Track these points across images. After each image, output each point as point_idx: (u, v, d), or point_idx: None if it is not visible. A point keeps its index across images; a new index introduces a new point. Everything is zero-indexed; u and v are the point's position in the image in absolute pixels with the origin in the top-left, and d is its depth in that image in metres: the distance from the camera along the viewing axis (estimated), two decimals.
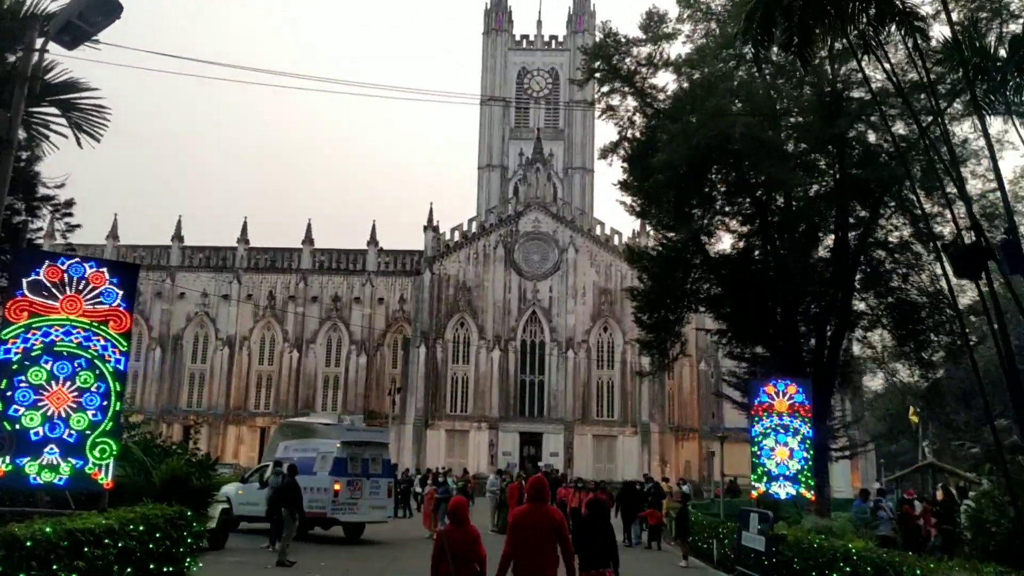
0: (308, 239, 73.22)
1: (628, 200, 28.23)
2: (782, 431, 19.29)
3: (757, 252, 26.88)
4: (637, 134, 25.29)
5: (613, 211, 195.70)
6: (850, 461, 65.06)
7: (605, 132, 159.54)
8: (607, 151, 25.35)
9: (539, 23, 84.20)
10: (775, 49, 27.63)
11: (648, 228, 33.39)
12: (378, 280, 72.32)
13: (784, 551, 13.90)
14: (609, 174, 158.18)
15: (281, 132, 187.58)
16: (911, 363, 29.39)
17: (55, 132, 10.85)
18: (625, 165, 26.24)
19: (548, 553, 7.83)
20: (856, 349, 30.39)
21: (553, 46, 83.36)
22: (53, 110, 10.45)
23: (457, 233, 68.37)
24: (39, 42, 9.43)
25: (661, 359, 27.77)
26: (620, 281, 66.58)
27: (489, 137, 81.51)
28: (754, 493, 19.57)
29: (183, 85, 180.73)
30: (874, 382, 55.64)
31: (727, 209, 25.96)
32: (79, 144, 10.58)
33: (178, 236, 73.44)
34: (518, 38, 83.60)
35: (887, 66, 25.79)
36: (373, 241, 72.86)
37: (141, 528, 9.75)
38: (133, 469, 11.91)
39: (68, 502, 11.10)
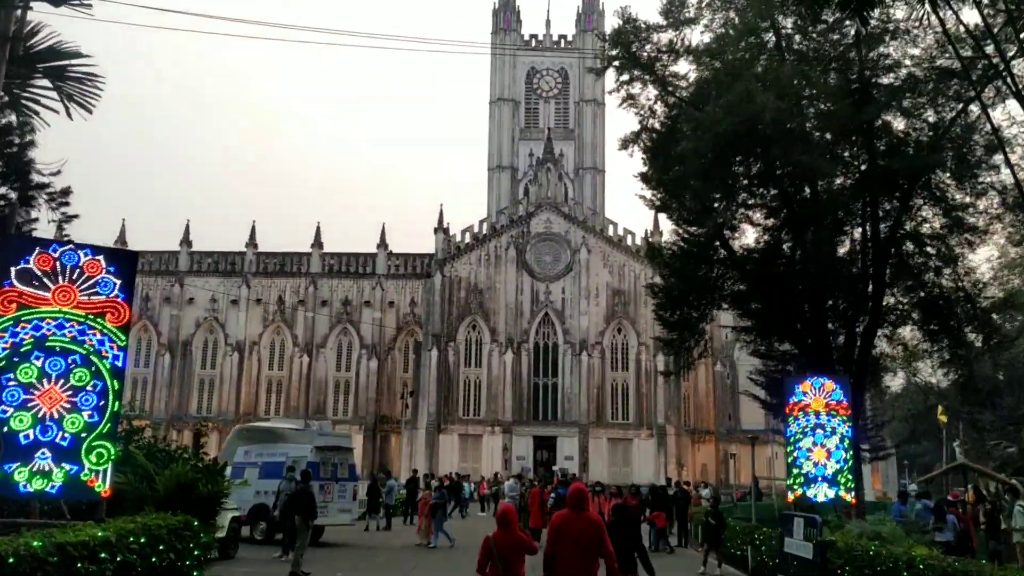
0: (317, 242, 72.50)
1: (648, 194, 27.30)
2: (819, 431, 18.29)
3: (784, 246, 25.87)
4: (658, 124, 24.34)
5: (625, 211, 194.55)
6: (871, 463, 64.36)
7: (617, 131, 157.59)
8: (628, 141, 24.40)
9: (547, 23, 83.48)
10: (797, 38, 27.09)
11: (668, 224, 32.60)
12: (388, 283, 71.51)
13: (833, 559, 12.92)
14: (620, 174, 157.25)
15: (290, 134, 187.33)
16: (943, 360, 28.36)
17: (46, 108, 10.03)
18: (646, 156, 25.29)
19: (589, 559, 8.01)
20: (884, 346, 29.32)
21: (562, 45, 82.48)
22: (45, 83, 9.61)
23: (468, 235, 67.54)
24: None
25: (686, 358, 26.78)
26: (634, 282, 65.67)
27: (499, 138, 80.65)
28: (790, 496, 18.57)
29: (187, 86, 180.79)
30: (894, 382, 54.58)
31: (752, 202, 24.98)
32: (69, 116, 9.76)
33: (186, 241, 72.86)
34: (527, 38, 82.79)
35: (916, 51, 25.07)
36: (383, 244, 72.08)
37: (142, 540, 8.87)
38: (135, 476, 11.04)
39: (63, 512, 10.23)
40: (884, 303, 27.01)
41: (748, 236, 27.50)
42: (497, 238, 66.83)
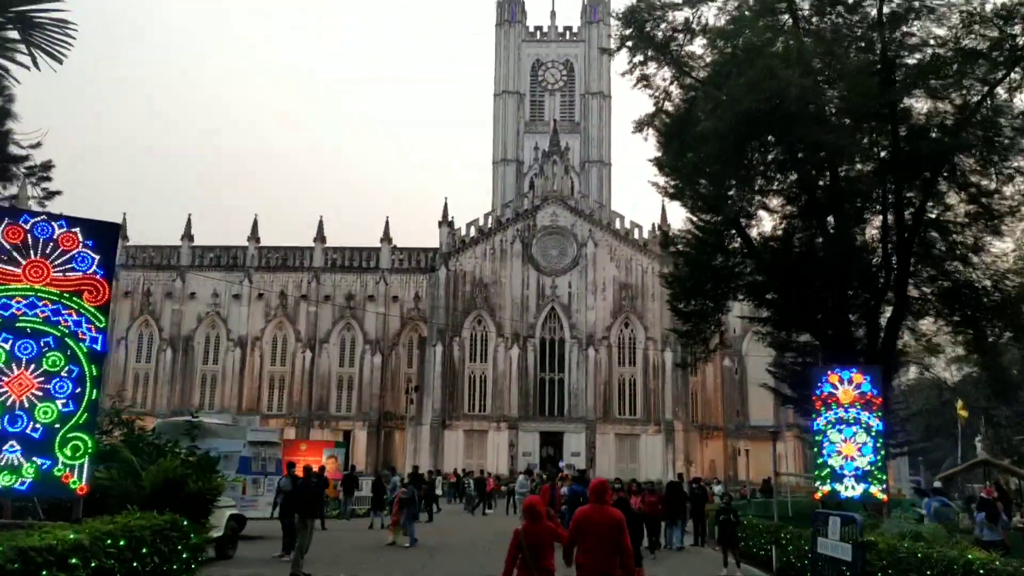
0: (320, 236, 71.62)
1: (661, 181, 26.34)
2: (848, 424, 17.35)
3: (803, 233, 24.91)
4: (673, 107, 23.36)
5: (632, 206, 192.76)
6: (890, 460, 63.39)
7: (624, 124, 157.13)
8: (643, 124, 23.40)
9: (553, 14, 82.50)
10: (815, 19, 26.10)
11: (677, 216, 31.35)
12: (392, 278, 70.62)
13: (873, 561, 11.98)
14: (627, 168, 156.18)
15: (292, 128, 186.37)
16: (967, 352, 27.43)
17: (19, 64, 9.10)
18: (660, 141, 24.32)
19: (611, 551, 8.23)
20: (905, 338, 28.34)
21: (568, 37, 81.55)
22: (15, 35, 8.68)
23: (473, 228, 66.59)
24: None
25: (702, 349, 25.83)
26: (641, 276, 64.73)
27: (503, 131, 79.76)
28: (817, 493, 17.61)
29: (183, 82, 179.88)
30: (904, 377, 53.51)
31: (770, 187, 24.00)
32: (36, 66, 8.82)
33: (188, 235, 72.03)
34: (532, 29, 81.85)
35: (940, 31, 24.08)
36: (387, 238, 71.18)
37: (122, 543, 7.95)
38: (120, 471, 10.13)
39: (37, 511, 9.32)
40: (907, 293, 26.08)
41: (765, 224, 26.55)
42: (503, 232, 65.88)
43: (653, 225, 65.86)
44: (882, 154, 24.17)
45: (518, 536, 8.58)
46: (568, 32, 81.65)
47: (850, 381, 17.58)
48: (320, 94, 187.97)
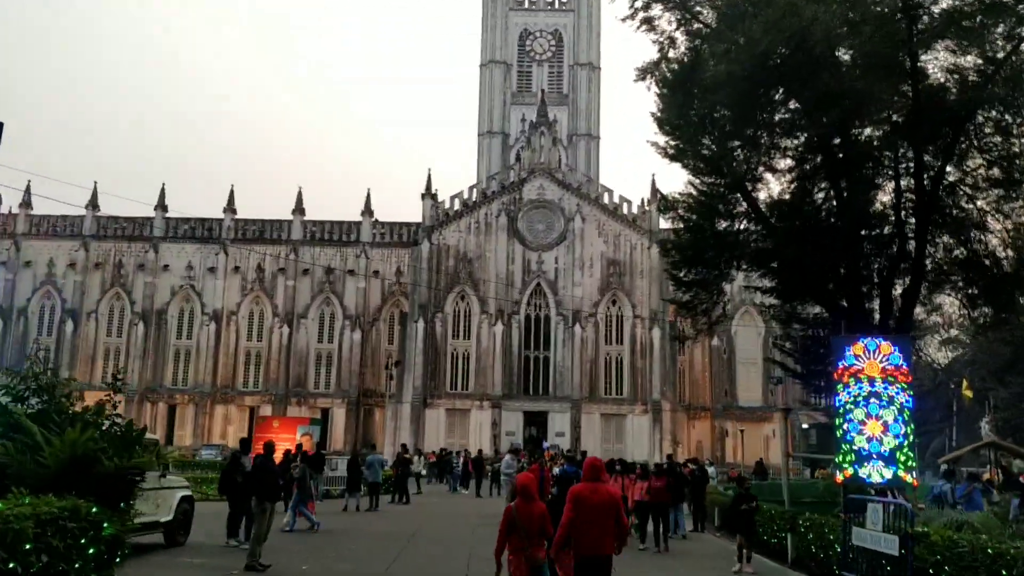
0: (299, 208, 69.26)
1: (661, 140, 24.42)
2: (874, 400, 15.56)
3: (814, 197, 23.11)
4: (677, 56, 21.38)
5: (621, 181, 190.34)
6: None
7: (613, 96, 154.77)
8: (646, 71, 21.41)
9: None
10: None
11: (670, 187, 29.00)
12: (373, 252, 68.45)
13: (924, 556, 10.23)
14: (616, 142, 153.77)
15: (271, 97, 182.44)
16: (983, 326, 25.85)
17: None
18: (663, 93, 22.38)
19: (607, 528, 8.15)
20: (918, 311, 26.66)
21: (556, 6, 79.22)
22: None
23: (457, 201, 64.45)
24: None
25: (704, 320, 24.03)
26: (630, 252, 62.94)
27: (490, 102, 77.49)
28: (839, 476, 15.83)
29: (164, 41, 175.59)
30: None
31: (780, 146, 22.12)
32: None
33: (162, 205, 69.39)
34: None
35: None
36: (368, 211, 68.92)
37: None
38: (18, 446, 8.17)
39: None
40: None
41: (772, 187, 24.71)
42: (488, 205, 63.80)
43: (642, 200, 64.08)
44: (895, 117, 22.43)
45: (511, 514, 8.52)
46: (557, 1, 79.25)
47: (877, 352, 15.76)
48: (299, 64, 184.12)
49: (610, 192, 64.62)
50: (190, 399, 66.30)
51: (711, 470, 34.74)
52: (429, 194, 63.97)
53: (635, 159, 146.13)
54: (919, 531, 10.56)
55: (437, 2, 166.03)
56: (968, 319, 25.41)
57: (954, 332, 53.87)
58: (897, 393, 15.54)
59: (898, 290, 23.83)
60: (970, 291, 24.33)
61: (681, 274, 24.39)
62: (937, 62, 22.53)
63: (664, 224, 63.99)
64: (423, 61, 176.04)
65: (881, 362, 15.73)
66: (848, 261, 22.78)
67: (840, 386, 16.05)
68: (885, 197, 24.36)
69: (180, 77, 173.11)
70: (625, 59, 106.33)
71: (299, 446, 29.21)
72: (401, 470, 29.96)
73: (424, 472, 41.05)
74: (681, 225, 24.80)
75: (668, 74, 21.15)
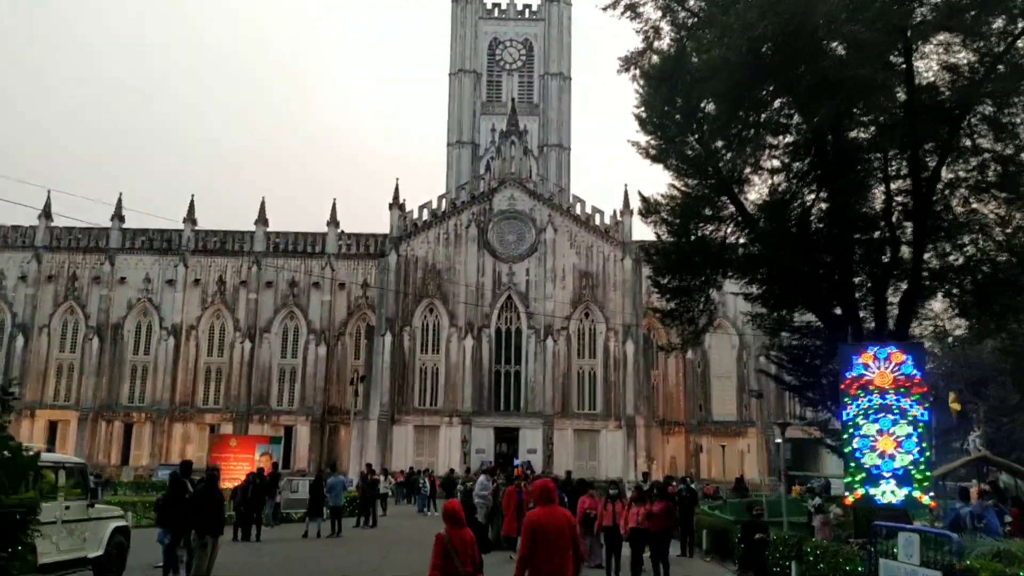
0: (262, 219, 67.10)
1: (643, 140, 23.11)
2: (886, 414, 14.26)
3: (807, 195, 21.90)
4: (664, 44, 20.09)
5: (592, 193, 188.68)
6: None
7: (583, 107, 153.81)
8: (630, 61, 20.07)
9: None
10: None
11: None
12: (339, 264, 66.50)
13: None
14: (587, 154, 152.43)
15: (233, 105, 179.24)
16: (979, 334, 24.81)
17: None
18: (645, 88, 21.05)
19: (565, 555, 8.00)
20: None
21: (527, 15, 78.24)
22: None
23: (425, 212, 62.77)
24: None
25: (691, 329, 22.63)
26: (603, 264, 61.68)
27: (459, 112, 76.09)
28: (849, 497, 14.47)
29: (124, 45, 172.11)
30: None
31: (774, 142, 20.88)
32: None
33: (118, 216, 66.93)
34: (489, 6, 78.35)
35: None
36: (333, 221, 67.00)
37: None
38: None
39: None
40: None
41: (760, 190, 23.47)
42: (457, 215, 62.21)
43: (615, 211, 62.92)
44: (888, 116, 21.32)
45: (443, 541, 8.46)
46: (528, 10, 78.27)
47: (887, 360, 14.52)
48: (263, 72, 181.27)
49: (582, 203, 63.38)
50: (147, 417, 63.69)
51: (692, 487, 33.23)
52: (397, 204, 62.23)
53: (606, 171, 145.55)
54: (969, 565, 9.12)
55: (405, 10, 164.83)
56: (966, 328, 24.25)
57: (928, 344, 53.31)
58: (911, 406, 14.27)
59: (892, 297, 22.74)
60: (965, 299, 23.25)
61: (664, 281, 23.01)
62: (931, 60, 21.59)
63: (637, 235, 63.18)
64: (391, 70, 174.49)
65: (892, 372, 14.48)
66: (840, 266, 21.59)
67: (848, 398, 14.75)
68: (878, 200, 23.28)
69: (140, 83, 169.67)
70: (596, 70, 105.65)
71: (260, 469, 27.38)
72: (367, 492, 28.12)
73: (391, 492, 39.22)
74: (664, 229, 23.45)
75: (652, 66, 19.80)
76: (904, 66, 20.68)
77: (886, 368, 14.42)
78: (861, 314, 21.98)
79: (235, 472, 29.78)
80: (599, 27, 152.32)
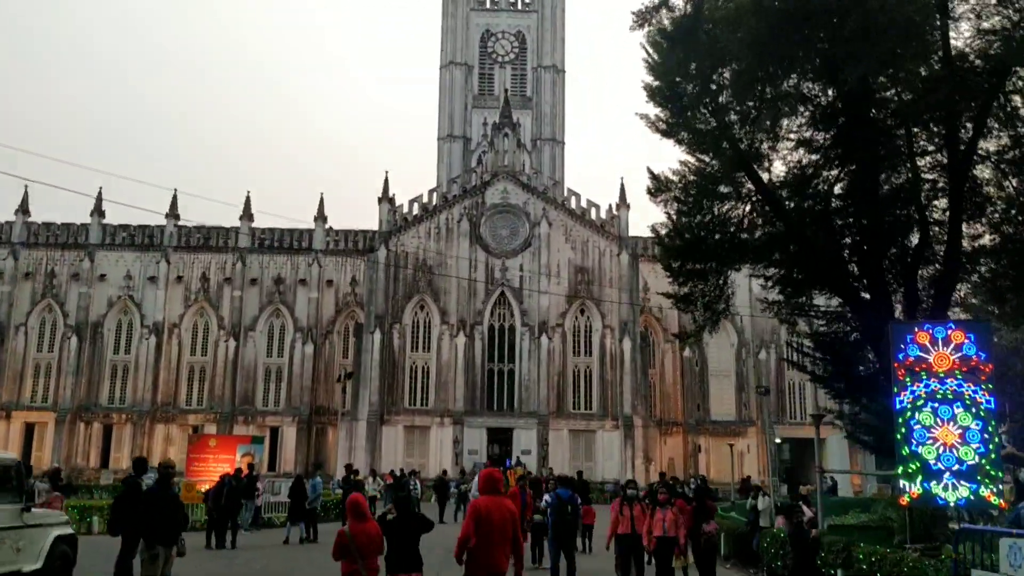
0: (247, 214, 65.04)
1: (652, 113, 21.40)
2: (946, 402, 12.50)
3: (831, 170, 20.19)
4: (680, 1, 18.30)
5: (586, 188, 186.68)
6: (848, 453, 59.39)
7: (577, 102, 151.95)
8: (644, 16, 18.25)
9: None
10: None
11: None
12: (327, 260, 64.54)
13: None
14: (581, 148, 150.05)
15: (217, 98, 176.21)
16: (1012, 321, 23.16)
17: None
18: (656, 53, 19.34)
19: (506, 546, 7.96)
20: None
21: (519, 7, 76.36)
22: None
23: (416, 206, 60.82)
24: None
25: (708, 315, 20.88)
26: (598, 259, 59.91)
27: (450, 105, 74.15)
28: (904, 498, 12.66)
29: (107, 39, 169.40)
30: None
31: (800, 109, 19.14)
32: None
33: (98, 211, 64.67)
34: None
35: None
36: (321, 217, 65.03)
37: None
38: None
39: None
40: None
41: (779, 166, 21.77)
42: (449, 209, 60.31)
43: (611, 205, 61.18)
44: (918, 82, 19.61)
45: (344, 537, 8.45)
46: (520, 2, 76.42)
47: (947, 342, 12.76)
48: (248, 64, 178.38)
49: (577, 196, 61.57)
50: (128, 418, 61.51)
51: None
52: (386, 198, 60.26)
53: (601, 166, 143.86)
54: None
55: (394, 1, 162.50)
56: (993, 315, 22.57)
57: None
58: (976, 391, 12.49)
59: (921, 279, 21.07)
60: (999, 283, 21.59)
61: (676, 265, 21.25)
62: (962, 24, 19.93)
63: (634, 230, 61.65)
64: (380, 62, 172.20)
65: (952, 353, 12.69)
66: (868, 246, 19.89)
67: (899, 384, 12.96)
68: (904, 176, 21.58)
69: (121, 73, 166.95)
70: (590, 64, 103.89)
71: (238, 470, 25.48)
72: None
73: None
74: (675, 208, 21.70)
75: (670, 21, 18.01)
76: (939, 29, 19.09)
77: (945, 349, 12.66)
78: (892, 298, 20.30)
79: (214, 474, 27.97)
80: (593, 20, 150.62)
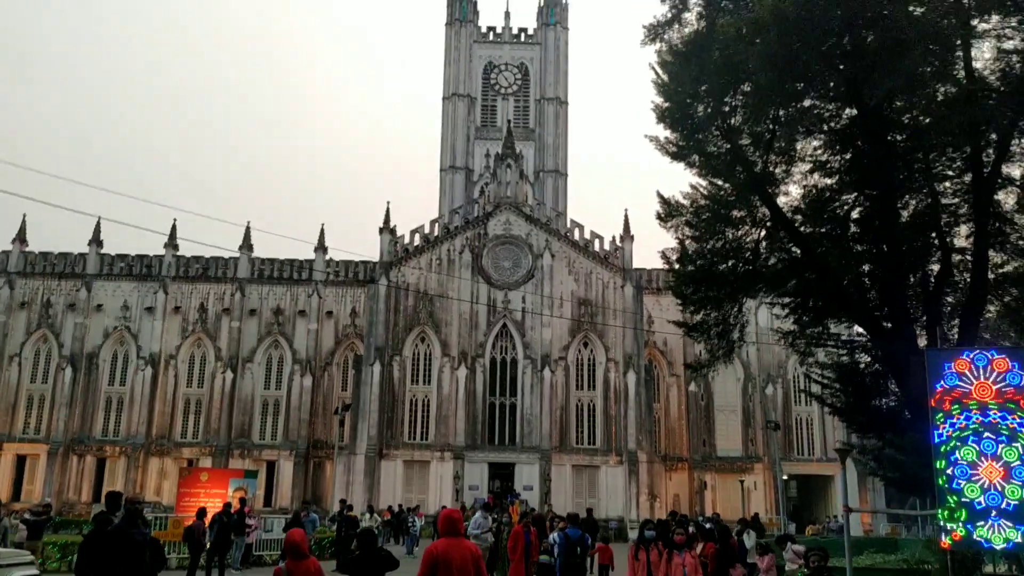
0: (246, 245, 64.34)
1: (662, 136, 20.66)
2: (990, 435, 11.52)
3: (847, 195, 19.39)
4: (693, 16, 17.64)
5: (589, 221, 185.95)
6: (858, 485, 57.96)
7: (580, 134, 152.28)
8: (656, 30, 17.59)
9: (507, 14, 77.53)
10: None
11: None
12: (326, 291, 63.73)
13: None
14: (584, 181, 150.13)
15: (218, 128, 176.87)
16: None
17: None
18: (667, 71, 18.65)
19: None
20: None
21: (522, 39, 76.49)
22: None
23: (417, 237, 60.09)
24: None
25: (722, 344, 19.95)
26: (602, 291, 59.04)
27: (453, 136, 73.90)
28: (946, 541, 11.62)
29: (104, 68, 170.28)
30: None
31: (818, 128, 18.40)
32: None
33: (96, 240, 64.06)
34: (484, 30, 76.58)
35: None
36: (321, 247, 64.29)
37: None
38: None
39: None
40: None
41: (794, 191, 20.98)
42: (450, 240, 59.58)
43: (614, 237, 60.44)
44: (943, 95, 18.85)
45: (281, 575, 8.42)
46: (523, 34, 76.56)
47: (988, 368, 11.79)
48: (250, 94, 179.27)
49: (581, 228, 60.88)
50: (122, 451, 60.28)
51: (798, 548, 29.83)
52: (387, 228, 59.56)
53: (603, 199, 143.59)
54: None
55: (398, 33, 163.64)
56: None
57: None
58: (1021, 424, 11.52)
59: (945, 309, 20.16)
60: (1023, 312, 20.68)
61: (689, 291, 20.37)
62: (984, 44, 19.25)
63: (638, 262, 60.92)
64: (383, 93, 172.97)
65: (995, 383, 11.73)
66: (890, 271, 19.01)
67: (939, 416, 11.98)
68: (923, 203, 20.76)
69: (121, 101, 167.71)
70: (592, 96, 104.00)
71: (227, 504, 24.37)
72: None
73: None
74: (686, 233, 20.88)
75: (680, 38, 17.33)
76: (961, 47, 18.40)
77: (987, 378, 11.70)
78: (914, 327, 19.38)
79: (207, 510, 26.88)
80: (595, 53, 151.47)
